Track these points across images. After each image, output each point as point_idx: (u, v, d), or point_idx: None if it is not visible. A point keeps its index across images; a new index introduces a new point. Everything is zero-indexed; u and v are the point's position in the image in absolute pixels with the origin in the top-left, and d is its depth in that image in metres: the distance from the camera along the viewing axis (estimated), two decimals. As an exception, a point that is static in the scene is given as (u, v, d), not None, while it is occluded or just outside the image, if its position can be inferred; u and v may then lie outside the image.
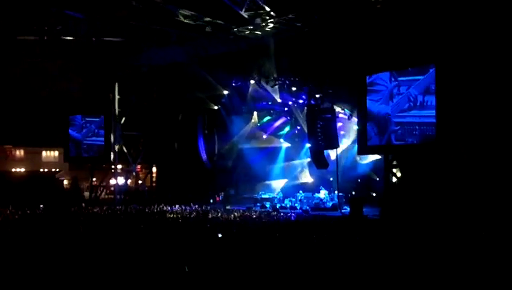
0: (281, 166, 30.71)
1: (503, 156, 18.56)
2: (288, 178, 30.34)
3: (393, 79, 20.90)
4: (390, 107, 20.98)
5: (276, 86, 27.14)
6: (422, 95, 19.77)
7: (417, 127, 19.84)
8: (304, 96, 27.39)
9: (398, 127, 20.63)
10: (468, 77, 18.98)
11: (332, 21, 21.73)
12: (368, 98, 21.92)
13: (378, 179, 26.35)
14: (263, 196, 28.66)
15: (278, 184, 30.10)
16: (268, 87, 27.46)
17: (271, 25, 22.70)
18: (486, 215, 17.45)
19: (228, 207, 26.34)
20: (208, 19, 22.73)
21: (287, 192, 29.30)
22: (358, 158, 27.02)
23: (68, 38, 25.30)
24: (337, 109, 26.16)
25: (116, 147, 30.96)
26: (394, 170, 22.74)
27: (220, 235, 14.19)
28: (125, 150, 31.51)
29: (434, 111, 19.23)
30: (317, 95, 25.88)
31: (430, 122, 19.43)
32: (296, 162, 30.41)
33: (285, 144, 30.90)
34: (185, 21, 23.10)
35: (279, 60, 25.37)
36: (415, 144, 20.11)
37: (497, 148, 18.71)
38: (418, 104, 19.92)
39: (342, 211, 24.97)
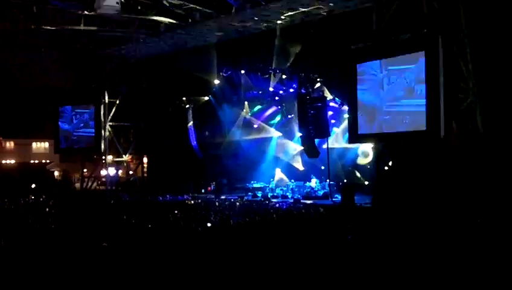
0: (273, 155, 30.66)
1: (494, 143, 18.61)
2: (280, 167, 30.29)
3: (383, 68, 20.83)
4: (380, 97, 20.91)
5: (272, 75, 27.08)
6: (413, 84, 19.72)
7: (407, 117, 19.81)
8: (294, 85, 27.32)
9: (388, 117, 20.61)
10: (459, 64, 19.01)
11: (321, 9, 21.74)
12: (358, 87, 21.86)
13: (369, 167, 26.37)
14: (255, 185, 28.67)
15: (269, 173, 30.02)
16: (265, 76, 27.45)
17: (261, 14, 22.63)
18: (479, 202, 17.51)
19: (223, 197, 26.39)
20: (197, 7, 22.61)
21: (279, 181, 29.33)
22: (350, 146, 26.99)
23: (56, 29, 25.13)
24: (328, 97, 26.11)
25: (107, 138, 30.90)
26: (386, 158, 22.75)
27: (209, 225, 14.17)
28: (116, 141, 31.43)
29: (424, 100, 19.18)
30: (308, 84, 25.85)
31: (420, 112, 19.39)
32: (288, 148, 30.37)
33: (276, 133, 30.85)
34: (174, 10, 22.99)
35: (269, 49, 25.29)
36: (405, 132, 20.10)
37: (489, 134, 18.76)
38: (408, 91, 19.88)
39: (333, 199, 25.01)
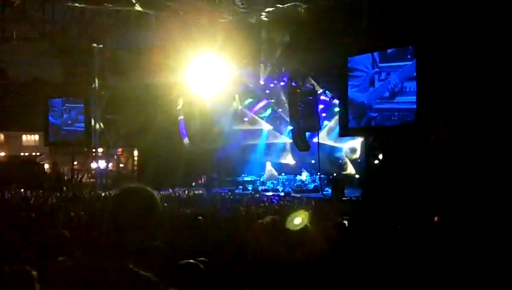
0: (263, 148, 30.68)
1: (484, 136, 18.65)
2: (271, 160, 30.31)
3: (374, 65, 20.76)
4: (369, 94, 20.86)
5: (262, 68, 27.01)
6: (402, 82, 19.67)
7: (395, 113, 19.79)
8: (285, 79, 27.29)
9: (377, 114, 20.61)
10: (449, 59, 19.01)
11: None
12: (348, 81, 21.84)
13: (359, 160, 26.45)
14: (245, 179, 28.68)
15: (260, 167, 30.05)
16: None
17: (250, 6, 22.55)
18: (468, 194, 17.57)
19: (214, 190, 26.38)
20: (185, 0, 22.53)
21: (269, 174, 29.38)
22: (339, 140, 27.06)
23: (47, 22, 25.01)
24: (319, 90, 26.11)
25: (97, 131, 30.74)
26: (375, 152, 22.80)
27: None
28: (106, 134, 31.28)
29: (414, 97, 19.15)
30: (299, 77, 25.81)
31: (409, 109, 19.39)
32: (279, 141, 30.38)
33: (267, 126, 30.84)
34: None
35: (258, 42, 25.20)
36: (395, 126, 20.12)
37: (478, 128, 18.80)
38: (397, 91, 19.83)
39: (324, 192, 25.08)
